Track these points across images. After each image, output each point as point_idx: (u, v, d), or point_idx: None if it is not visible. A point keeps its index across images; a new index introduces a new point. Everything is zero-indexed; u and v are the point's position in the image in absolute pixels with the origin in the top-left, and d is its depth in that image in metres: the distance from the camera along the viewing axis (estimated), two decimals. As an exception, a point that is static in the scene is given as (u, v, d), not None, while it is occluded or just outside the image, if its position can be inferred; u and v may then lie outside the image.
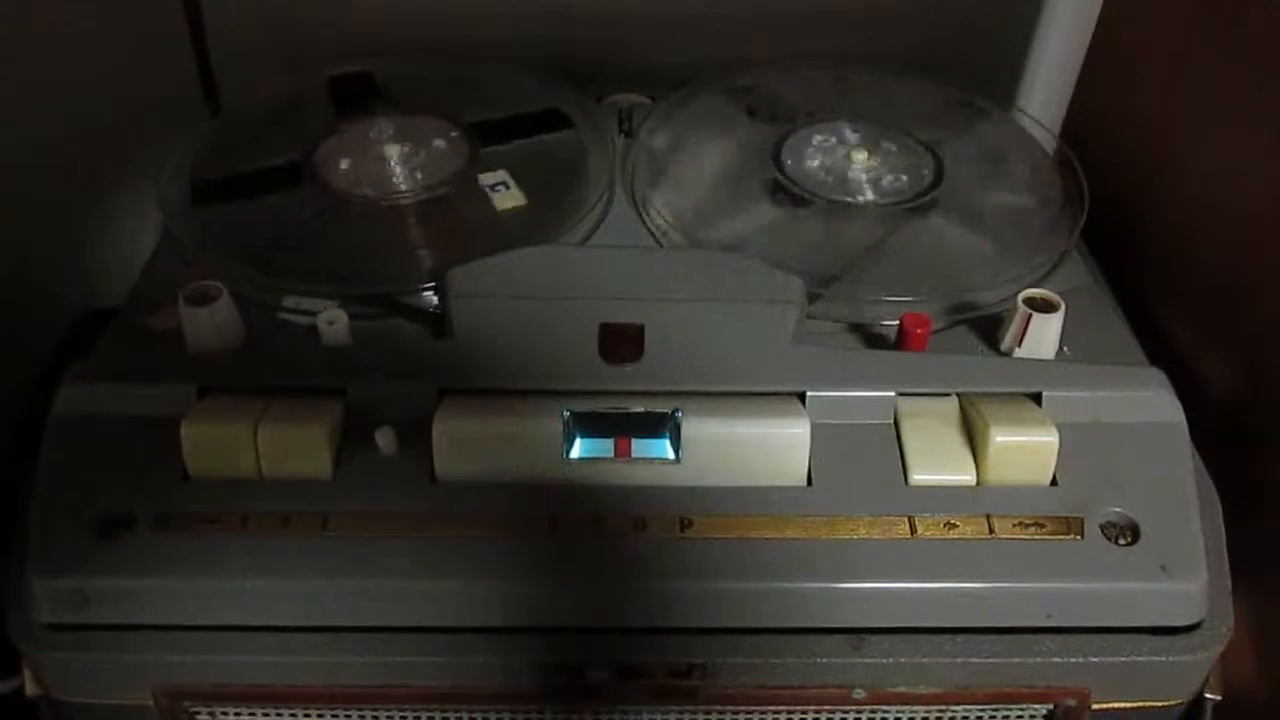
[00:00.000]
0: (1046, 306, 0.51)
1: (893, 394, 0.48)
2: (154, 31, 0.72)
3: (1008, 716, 0.49)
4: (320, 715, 0.48)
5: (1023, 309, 0.51)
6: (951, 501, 0.46)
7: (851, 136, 0.63)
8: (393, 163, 0.60)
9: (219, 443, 0.46)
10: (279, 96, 0.66)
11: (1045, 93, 0.75)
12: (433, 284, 0.53)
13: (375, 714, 0.48)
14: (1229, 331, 0.56)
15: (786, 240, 0.57)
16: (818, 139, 0.63)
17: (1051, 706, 0.48)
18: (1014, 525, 0.46)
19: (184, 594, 0.44)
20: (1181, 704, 0.49)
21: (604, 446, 0.47)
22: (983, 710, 0.48)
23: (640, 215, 0.59)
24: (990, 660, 0.46)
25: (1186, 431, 0.48)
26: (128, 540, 0.45)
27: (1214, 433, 0.51)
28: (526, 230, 0.56)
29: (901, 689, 0.47)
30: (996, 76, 0.76)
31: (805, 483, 0.47)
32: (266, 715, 0.48)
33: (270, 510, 0.45)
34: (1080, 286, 0.56)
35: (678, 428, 0.47)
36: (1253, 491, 0.52)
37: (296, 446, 0.46)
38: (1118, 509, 0.46)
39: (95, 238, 0.81)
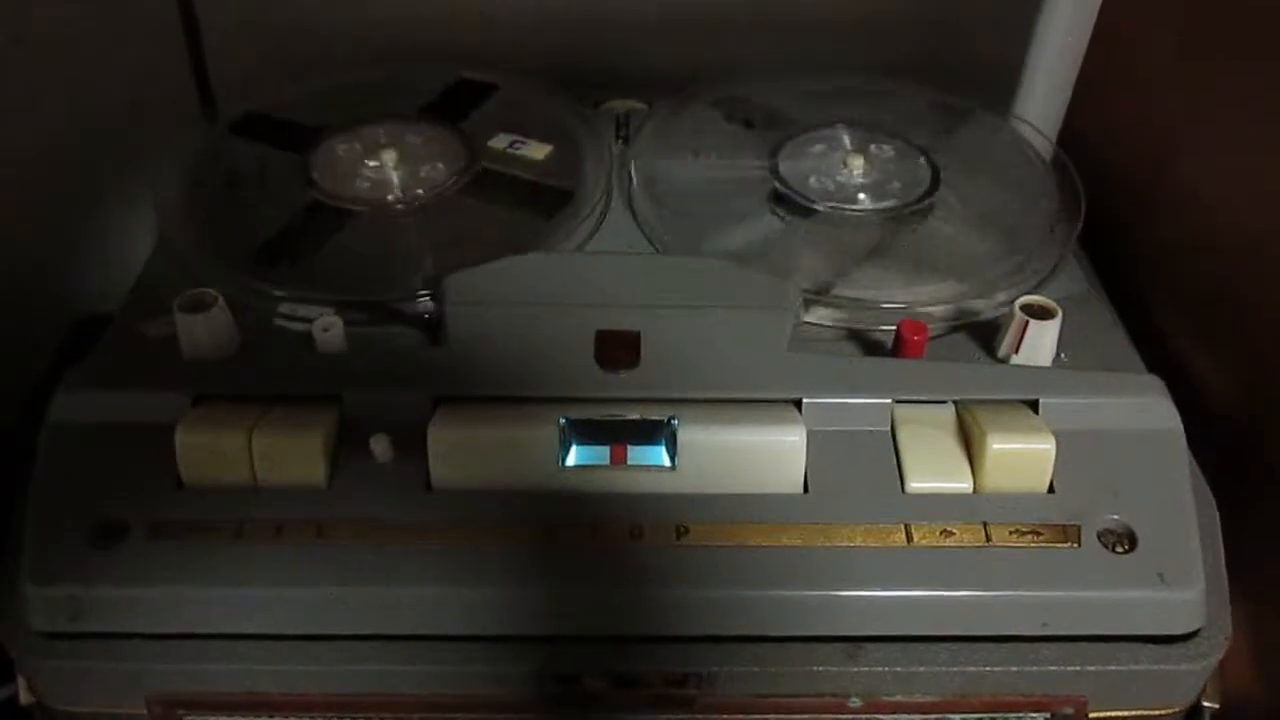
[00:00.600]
0: (1044, 313, 0.51)
1: (889, 401, 0.48)
2: (150, 38, 0.72)
3: (1004, 725, 0.49)
4: (315, 724, 0.48)
5: (1020, 316, 0.50)
6: (948, 509, 0.46)
7: (847, 143, 0.63)
8: (387, 169, 0.60)
9: (213, 450, 0.46)
10: (276, 102, 0.66)
11: (1042, 99, 0.75)
12: (428, 291, 0.53)
13: (370, 723, 0.48)
14: (1226, 338, 0.56)
15: (782, 247, 0.57)
16: (813, 146, 0.62)
17: (1049, 715, 0.47)
18: (1011, 533, 0.46)
19: (178, 602, 0.44)
20: (1179, 712, 0.48)
21: (600, 454, 0.47)
22: (979, 719, 0.48)
23: (636, 221, 0.59)
24: (987, 669, 0.46)
25: (1184, 439, 0.48)
26: (122, 548, 0.44)
27: (1212, 440, 0.51)
28: (522, 237, 0.56)
29: (898, 697, 0.46)
30: (993, 83, 0.76)
31: (801, 490, 0.47)
32: (261, 724, 0.48)
33: (265, 518, 0.45)
34: (1077, 293, 0.56)
35: (674, 435, 0.47)
36: (1250, 499, 0.52)
37: (291, 454, 0.46)
38: (1115, 517, 0.46)
39: (90, 243, 0.81)
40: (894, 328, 0.51)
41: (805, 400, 0.48)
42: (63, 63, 0.73)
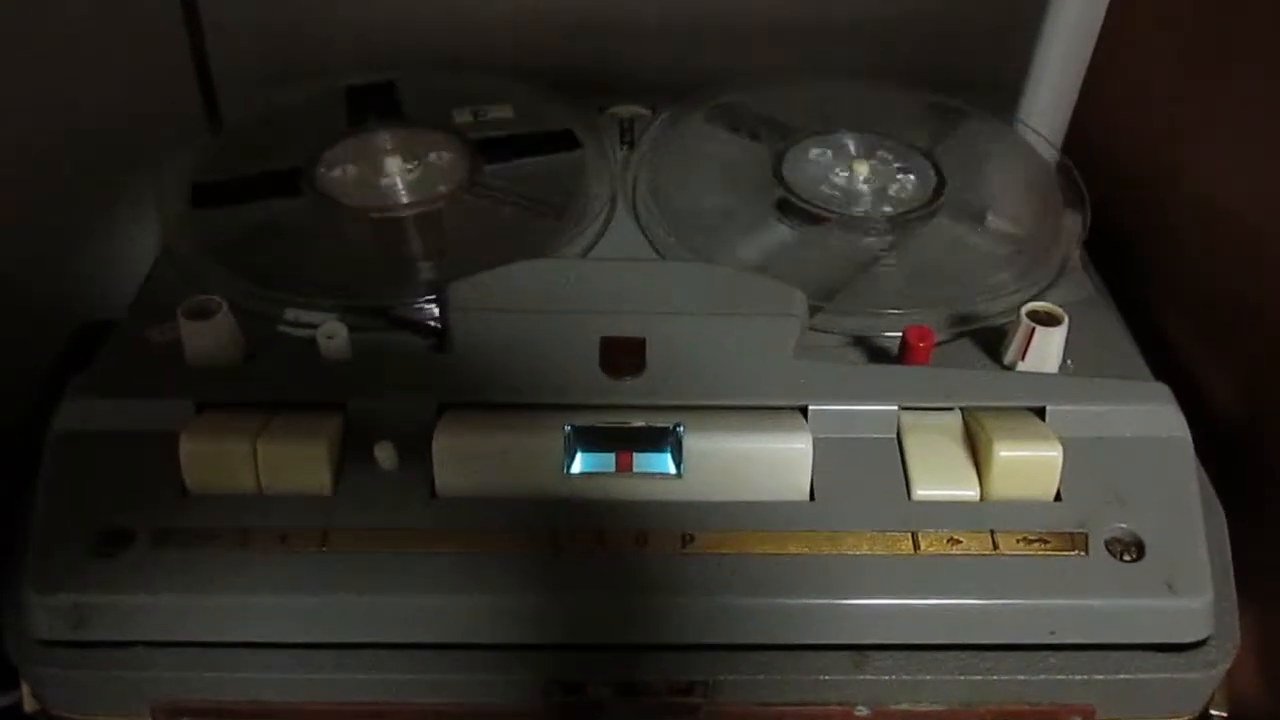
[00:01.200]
0: (1050, 320, 0.50)
1: (895, 408, 0.48)
2: (154, 42, 0.72)
3: (1012, 734, 0.48)
4: (319, 732, 0.48)
5: (1026, 322, 0.50)
6: (955, 517, 0.46)
7: (850, 149, 0.63)
8: (393, 175, 0.60)
9: (218, 458, 0.46)
10: (280, 108, 0.66)
11: (1047, 105, 0.75)
12: (433, 297, 0.53)
13: (375, 731, 0.48)
14: (1233, 345, 0.56)
15: (787, 253, 0.57)
16: (816, 153, 0.62)
17: (1056, 723, 0.47)
18: (1018, 541, 0.46)
19: (182, 610, 0.44)
20: (1187, 720, 0.48)
21: (605, 461, 0.47)
22: (987, 727, 0.48)
23: (640, 227, 0.59)
24: (994, 677, 0.45)
25: (1191, 447, 0.48)
26: (126, 556, 0.44)
27: (1219, 447, 0.51)
28: (527, 243, 0.56)
29: (904, 706, 0.46)
30: (998, 89, 0.76)
31: (808, 498, 0.47)
32: (266, 732, 0.48)
33: (269, 526, 0.45)
34: (1084, 299, 0.56)
35: (679, 442, 0.47)
36: (1258, 506, 0.51)
37: (296, 462, 0.46)
38: (1122, 525, 0.46)
39: (94, 248, 0.81)
40: (900, 334, 0.51)
41: (811, 407, 0.48)
42: (67, 67, 0.73)
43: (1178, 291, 0.61)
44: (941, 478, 0.47)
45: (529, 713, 0.47)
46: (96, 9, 0.72)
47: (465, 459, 0.46)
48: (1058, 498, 0.47)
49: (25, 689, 0.48)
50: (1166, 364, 0.53)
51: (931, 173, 0.61)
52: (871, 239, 0.57)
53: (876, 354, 0.52)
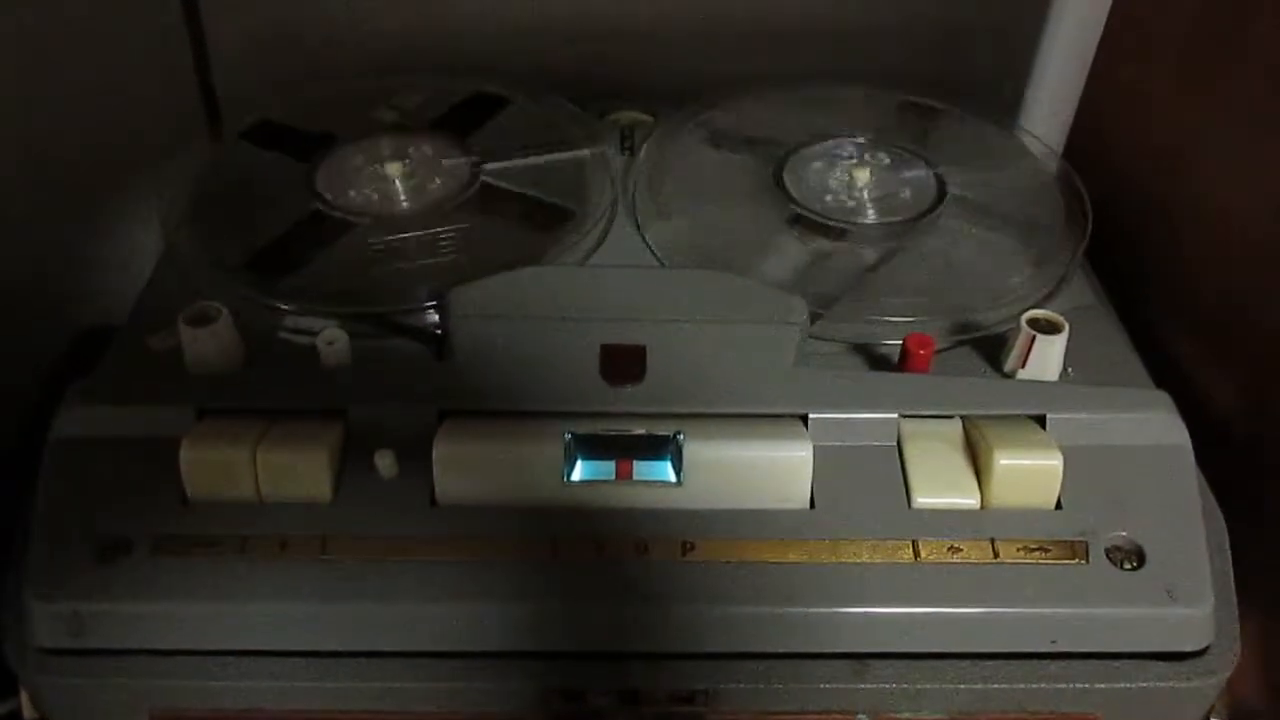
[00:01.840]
0: (1050, 328, 0.50)
1: (896, 416, 0.48)
2: (155, 48, 0.72)
3: (1013, 743, 0.48)
4: (319, 740, 0.48)
5: (1026, 330, 0.50)
6: (955, 525, 0.46)
7: (848, 157, 0.63)
8: (393, 181, 0.60)
9: (218, 465, 0.46)
10: (281, 115, 0.66)
11: (1048, 112, 0.75)
12: (433, 304, 0.53)
13: (375, 740, 0.48)
14: (1234, 352, 0.56)
15: (789, 263, 0.56)
16: (815, 163, 0.62)
17: (1057, 732, 0.47)
18: (1018, 549, 0.46)
19: (182, 618, 0.44)
20: (1189, 729, 0.48)
21: (605, 469, 0.47)
22: (988, 736, 0.48)
23: (641, 235, 0.59)
24: (995, 686, 0.45)
25: (1192, 455, 0.48)
26: (126, 564, 0.44)
27: (1220, 455, 0.51)
28: (527, 250, 0.56)
29: (905, 715, 0.46)
30: (999, 96, 0.76)
31: (808, 506, 0.47)
32: (265, 741, 0.48)
33: (269, 533, 0.45)
34: (1084, 307, 0.56)
35: (679, 450, 0.47)
36: (1259, 514, 0.51)
37: (296, 469, 0.46)
38: (1123, 533, 0.46)
39: (95, 254, 0.81)
40: (900, 342, 0.51)
41: (811, 415, 0.48)
42: (68, 72, 0.73)
43: (1178, 299, 0.61)
44: (942, 486, 0.47)
45: (529, 721, 0.47)
46: (98, 15, 0.72)
47: (465, 466, 0.46)
48: (1058, 506, 0.47)
49: (24, 696, 0.48)
50: (1167, 372, 0.53)
51: (931, 178, 0.61)
52: (872, 246, 0.57)
53: (877, 362, 0.52)
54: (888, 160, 0.62)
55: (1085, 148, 0.72)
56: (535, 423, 0.47)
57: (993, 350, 0.53)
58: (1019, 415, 0.48)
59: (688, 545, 0.45)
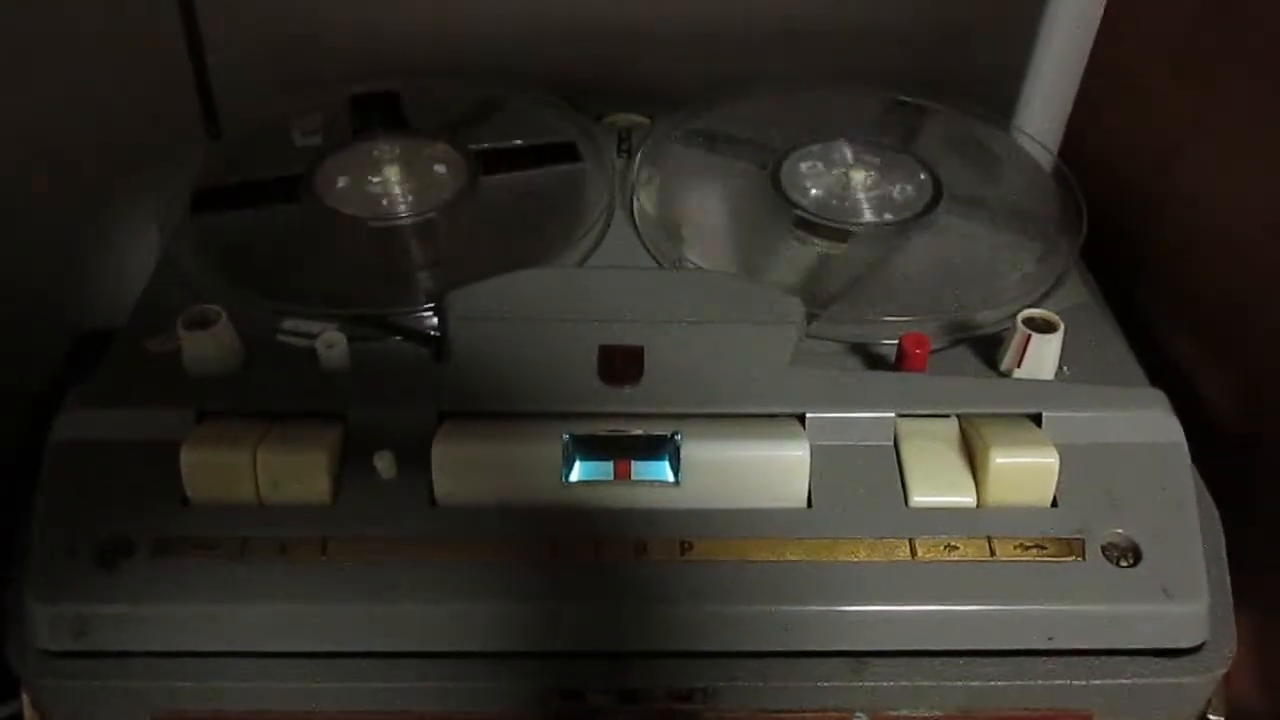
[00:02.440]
0: (1046, 327, 0.51)
1: (892, 415, 0.48)
2: (153, 52, 0.73)
3: (1010, 739, 0.49)
4: (320, 741, 0.48)
5: (1022, 329, 0.51)
6: (952, 523, 0.46)
7: (844, 158, 0.63)
8: (392, 184, 0.60)
9: (218, 468, 0.46)
10: (279, 117, 0.67)
11: (1043, 111, 0.76)
12: (432, 306, 0.53)
13: (375, 740, 0.48)
14: (1229, 350, 0.56)
15: (783, 261, 0.57)
16: (812, 164, 0.63)
17: (1054, 729, 0.48)
18: (1015, 547, 0.46)
19: (183, 620, 0.44)
20: (1185, 726, 0.49)
21: (603, 469, 0.47)
22: (985, 733, 0.48)
23: (639, 236, 0.59)
24: (992, 683, 0.46)
25: (1187, 453, 0.48)
26: (127, 566, 0.44)
27: (1215, 452, 0.51)
28: (525, 252, 0.56)
29: (903, 712, 0.46)
30: (995, 96, 0.77)
31: (805, 505, 0.47)
32: (266, 741, 0.48)
33: (269, 535, 0.45)
34: (1080, 306, 0.56)
35: (677, 450, 0.47)
36: (1254, 512, 0.52)
37: (296, 471, 0.46)
38: (1119, 530, 0.46)
39: (94, 258, 0.81)
40: (896, 342, 0.51)
41: (809, 415, 0.48)
42: (66, 76, 0.74)
43: (1174, 298, 0.61)
44: (938, 484, 0.47)
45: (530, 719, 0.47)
46: (95, 19, 0.72)
47: (464, 467, 0.46)
48: (1054, 504, 0.47)
49: (26, 699, 0.48)
50: (1162, 370, 0.53)
51: (927, 179, 0.61)
52: (868, 247, 0.58)
53: (874, 361, 0.53)
54: (885, 161, 0.63)
55: (1080, 147, 0.73)
56: (534, 423, 0.47)
57: (989, 349, 0.53)
58: (1015, 414, 0.49)
59: (686, 545, 0.46)
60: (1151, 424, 0.49)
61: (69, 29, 0.72)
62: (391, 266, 0.57)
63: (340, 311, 0.53)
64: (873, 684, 0.46)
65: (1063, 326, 0.51)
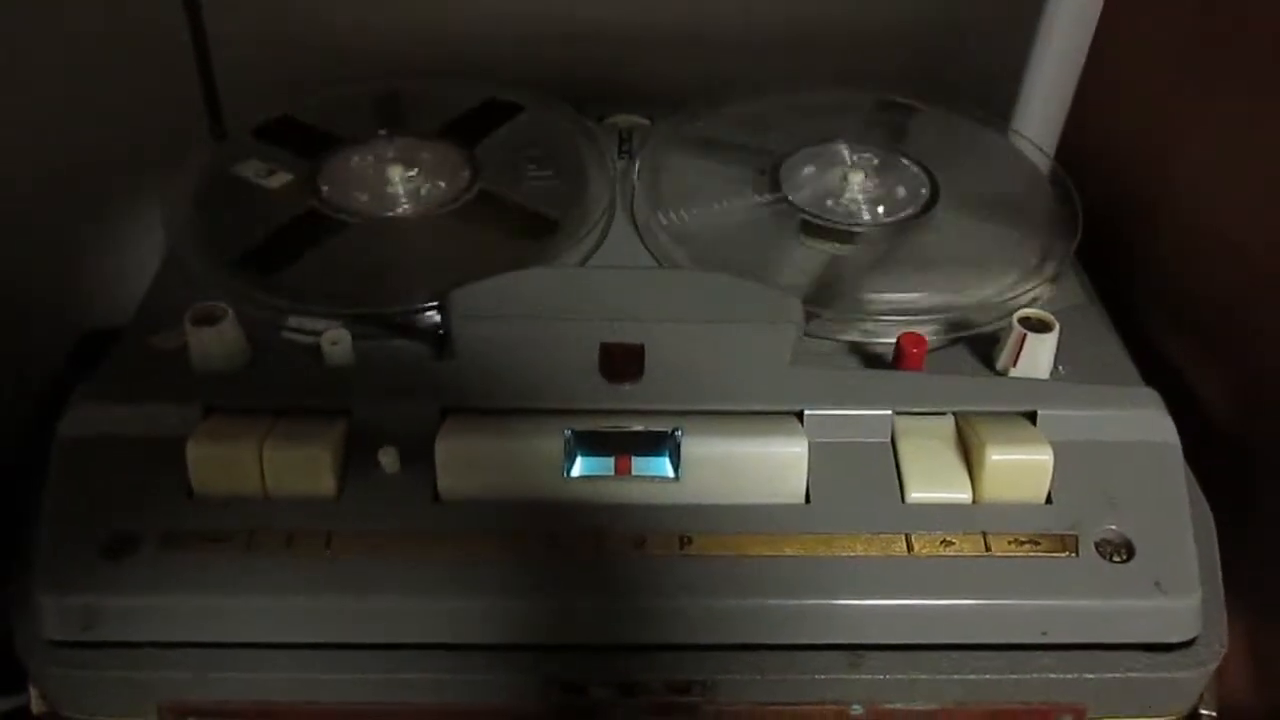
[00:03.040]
0: (1041, 326, 0.51)
1: (890, 413, 0.49)
2: (158, 50, 0.73)
3: (1005, 732, 0.49)
4: (323, 732, 0.48)
5: (1018, 329, 0.51)
6: (948, 519, 0.47)
7: (841, 159, 0.64)
8: (395, 183, 0.61)
9: (224, 462, 0.46)
10: (286, 116, 0.67)
11: (1040, 114, 0.76)
12: (434, 304, 0.53)
13: (378, 730, 0.49)
14: (1222, 350, 0.57)
15: (782, 260, 0.57)
16: (810, 165, 0.63)
17: (1048, 722, 0.48)
18: (1010, 543, 0.46)
19: (189, 612, 0.45)
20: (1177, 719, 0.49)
21: (604, 465, 0.48)
22: (980, 726, 0.49)
23: (639, 236, 0.60)
24: (987, 677, 0.46)
25: (1180, 451, 0.49)
26: (134, 559, 0.45)
27: (1207, 451, 0.51)
28: (527, 251, 0.57)
29: (899, 705, 0.47)
30: (993, 100, 0.77)
31: (803, 500, 0.47)
32: (270, 732, 0.49)
33: (275, 529, 0.46)
34: (1075, 306, 0.56)
35: (677, 446, 0.47)
36: (1246, 509, 0.52)
37: (300, 466, 0.46)
38: (1112, 527, 0.47)
39: (98, 257, 0.81)
40: (894, 341, 0.51)
41: (807, 412, 0.48)
42: (71, 75, 0.74)
43: (1168, 299, 0.61)
44: (935, 481, 0.48)
45: (530, 712, 0.47)
46: (100, 18, 0.73)
47: (467, 463, 0.47)
48: (1049, 500, 0.47)
49: (33, 691, 0.48)
50: (1156, 370, 0.54)
51: (924, 180, 0.62)
52: (866, 247, 0.58)
53: (871, 360, 0.53)
54: (884, 162, 0.63)
55: (1077, 149, 0.73)
56: (536, 420, 0.48)
57: (985, 349, 0.53)
58: (1010, 412, 0.49)
59: (685, 539, 0.46)
60: (1145, 422, 0.49)
61: (74, 28, 0.73)
62: (394, 265, 0.57)
63: (344, 310, 0.54)
64: (869, 677, 0.46)
65: (1058, 326, 0.51)
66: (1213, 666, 0.47)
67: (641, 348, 0.50)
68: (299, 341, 0.53)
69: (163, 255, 0.59)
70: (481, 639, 0.46)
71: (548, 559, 0.46)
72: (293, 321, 0.54)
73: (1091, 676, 0.46)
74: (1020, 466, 0.47)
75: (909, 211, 0.60)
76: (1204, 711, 0.50)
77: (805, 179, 0.62)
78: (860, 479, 0.48)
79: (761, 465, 0.47)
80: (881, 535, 0.46)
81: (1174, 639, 0.46)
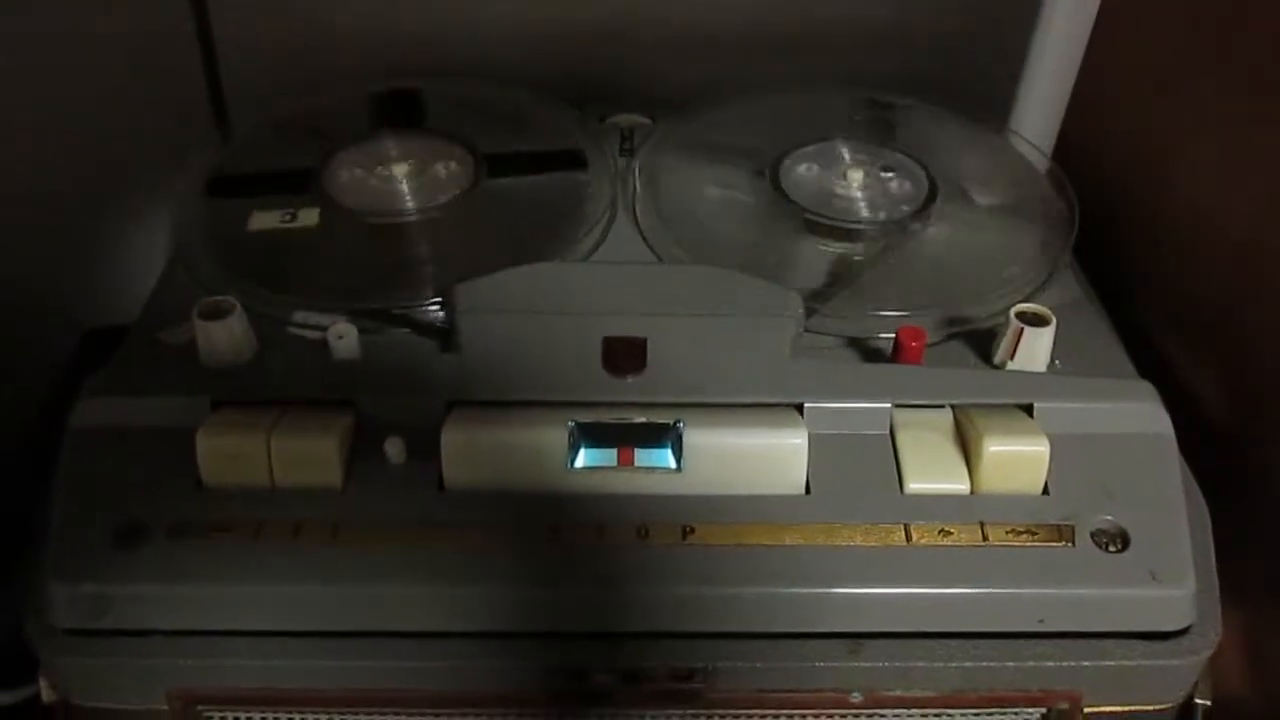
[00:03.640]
0: (1038, 321, 0.52)
1: (889, 405, 0.50)
2: (165, 50, 0.74)
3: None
4: (330, 718, 0.49)
5: (1015, 323, 0.52)
6: (946, 510, 0.47)
7: (841, 158, 0.64)
8: (401, 181, 0.61)
9: (233, 453, 0.47)
10: (291, 116, 0.68)
11: (1038, 113, 0.77)
12: (439, 299, 0.54)
13: (384, 717, 0.49)
14: (1216, 344, 0.57)
15: (782, 256, 0.58)
16: (810, 163, 0.64)
17: (1045, 710, 0.49)
18: (1007, 533, 0.47)
19: (198, 600, 0.45)
20: (1172, 708, 0.49)
21: (607, 456, 0.48)
22: (977, 713, 0.49)
23: (641, 233, 0.60)
24: (984, 664, 0.47)
25: (1175, 443, 0.49)
26: (144, 548, 0.46)
27: (1202, 442, 0.52)
28: (530, 248, 0.57)
29: (898, 692, 0.47)
30: (990, 99, 0.78)
31: (804, 491, 0.48)
32: (278, 718, 0.49)
33: (282, 518, 0.46)
34: (1072, 301, 0.57)
35: (679, 438, 0.48)
36: (1240, 499, 0.53)
37: (308, 457, 0.47)
38: (1108, 517, 0.47)
39: (103, 255, 0.82)
40: (893, 335, 0.52)
41: (807, 405, 0.49)
42: (79, 75, 0.74)
43: (1163, 294, 0.62)
44: (933, 472, 0.48)
45: (534, 699, 0.48)
46: (107, 17, 0.73)
47: (472, 454, 0.47)
48: (1045, 491, 0.48)
49: (44, 681, 0.49)
50: (1151, 363, 0.54)
51: (923, 177, 0.62)
52: (866, 244, 0.59)
53: (871, 354, 0.54)
54: (883, 161, 0.64)
55: (1075, 149, 0.74)
56: (540, 412, 0.48)
57: (983, 343, 0.54)
58: (1008, 405, 0.50)
59: (687, 529, 0.47)
60: (1140, 415, 0.50)
61: (81, 27, 0.73)
62: (399, 261, 0.58)
63: (350, 304, 0.54)
64: (869, 664, 0.47)
65: (1055, 321, 0.52)
66: (1206, 655, 0.47)
67: (644, 341, 0.50)
68: (305, 336, 0.54)
69: (168, 252, 0.60)
70: (486, 626, 0.46)
71: (551, 548, 0.46)
72: (299, 316, 0.54)
73: (1087, 664, 0.47)
74: (1017, 458, 0.48)
75: (908, 209, 0.61)
76: (1198, 700, 0.50)
77: (805, 177, 0.63)
78: (860, 470, 0.48)
79: (762, 457, 0.48)
80: (880, 525, 0.47)
81: (1168, 628, 0.47)
